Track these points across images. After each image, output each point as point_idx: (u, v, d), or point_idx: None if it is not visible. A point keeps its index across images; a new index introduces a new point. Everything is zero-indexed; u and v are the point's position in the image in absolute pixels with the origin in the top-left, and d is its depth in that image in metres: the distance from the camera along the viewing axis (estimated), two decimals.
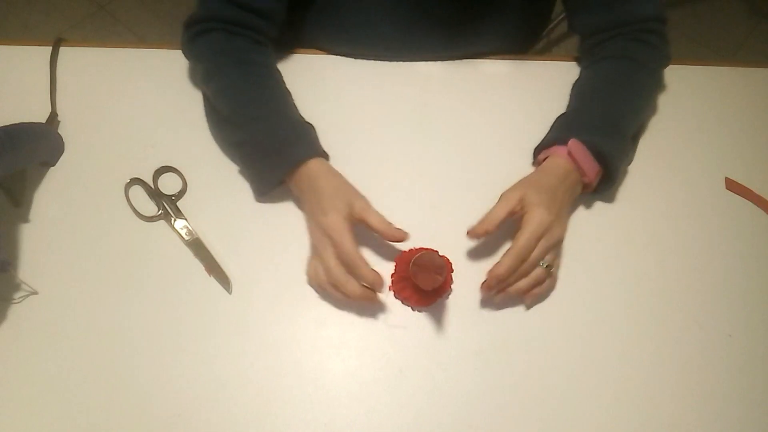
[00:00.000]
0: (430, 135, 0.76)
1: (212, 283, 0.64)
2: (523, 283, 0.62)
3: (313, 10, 0.78)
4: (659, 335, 0.65)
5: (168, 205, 0.68)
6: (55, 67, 0.77)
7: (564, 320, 0.65)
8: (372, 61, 0.81)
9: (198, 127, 0.74)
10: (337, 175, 0.65)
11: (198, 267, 0.65)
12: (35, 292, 0.62)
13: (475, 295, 0.66)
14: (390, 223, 0.61)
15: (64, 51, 0.79)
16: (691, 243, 0.72)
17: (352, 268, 0.59)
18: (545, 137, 0.72)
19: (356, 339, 0.63)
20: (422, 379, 0.61)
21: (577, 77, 0.79)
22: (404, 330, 0.64)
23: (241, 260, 0.66)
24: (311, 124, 0.69)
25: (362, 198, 0.63)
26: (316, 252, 0.63)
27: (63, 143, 0.71)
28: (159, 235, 0.67)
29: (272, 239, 0.68)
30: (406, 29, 0.78)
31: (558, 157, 0.67)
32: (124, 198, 0.68)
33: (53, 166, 0.70)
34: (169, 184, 0.70)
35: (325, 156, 0.68)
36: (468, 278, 0.66)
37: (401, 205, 0.68)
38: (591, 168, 0.67)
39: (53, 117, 0.72)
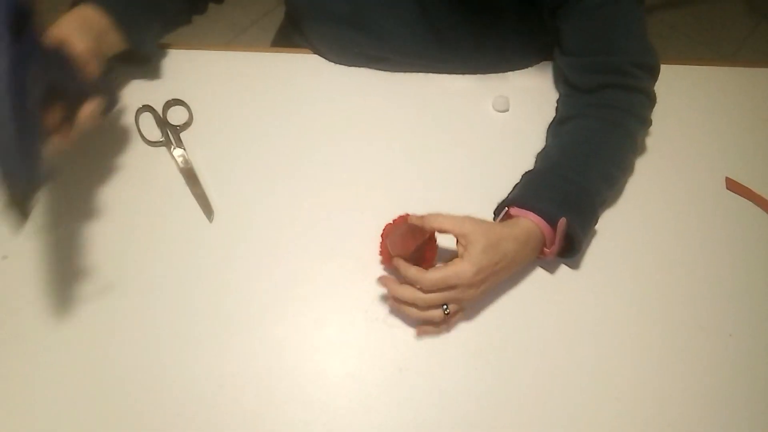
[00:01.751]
0: (427, 142, 0.77)
1: (213, 280, 0.64)
2: (415, 314, 0.61)
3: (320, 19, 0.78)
4: (659, 335, 0.65)
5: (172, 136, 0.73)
6: None
7: (563, 320, 0.65)
8: (370, 70, 0.81)
9: (203, 121, 0.75)
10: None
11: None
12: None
13: None
14: None
15: None
16: (692, 242, 0.72)
17: None
18: (518, 194, 0.67)
19: (356, 339, 0.63)
20: (422, 379, 0.61)
21: (551, 126, 0.77)
22: (404, 330, 0.64)
23: (241, 264, 0.66)
24: None
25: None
26: None
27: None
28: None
29: (274, 238, 0.68)
30: (413, 37, 0.78)
31: (529, 222, 0.63)
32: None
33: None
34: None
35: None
36: None
37: (396, 205, 0.68)
38: (558, 245, 0.64)
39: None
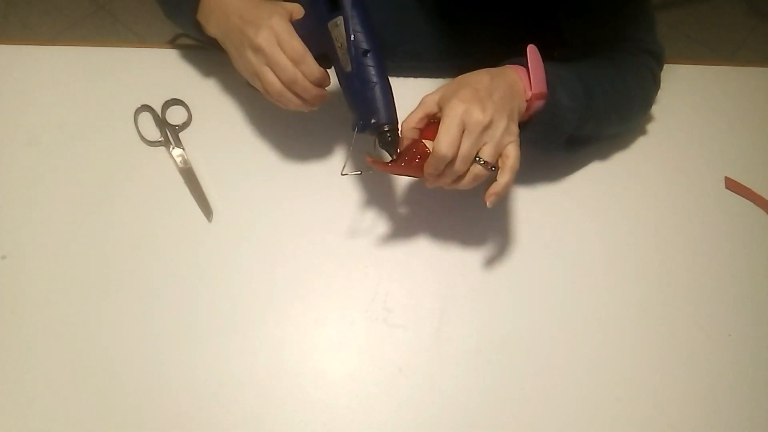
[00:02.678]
0: None
1: (212, 280, 0.64)
2: (462, 185, 0.57)
3: None
4: (659, 334, 0.65)
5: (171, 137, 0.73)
6: None
7: (563, 320, 0.65)
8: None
9: (202, 121, 0.75)
10: None
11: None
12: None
13: (476, 295, 0.66)
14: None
15: (65, 51, 0.79)
16: (691, 242, 0.72)
17: (299, 63, 0.57)
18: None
19: (356, 339, 0.63)
20: (422, 379, 0.61)
21: None
22: (404, 330, 0.64)
23: (241, 264, 0.66)
24: None
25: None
26: (257, 63, 0.59)
27: None
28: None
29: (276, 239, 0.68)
30: (418, 49, 0.78)
31: (505, 67, 0.60)
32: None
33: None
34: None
35: None
36: (468, 279, 0.66)
37: (396, 205, 0.68)
38: (538, 82, 0.59)
39: None
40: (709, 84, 0.85)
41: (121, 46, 0.80)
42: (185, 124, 0.74)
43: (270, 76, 0.59)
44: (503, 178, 0.57)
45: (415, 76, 0.80)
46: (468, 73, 0.60)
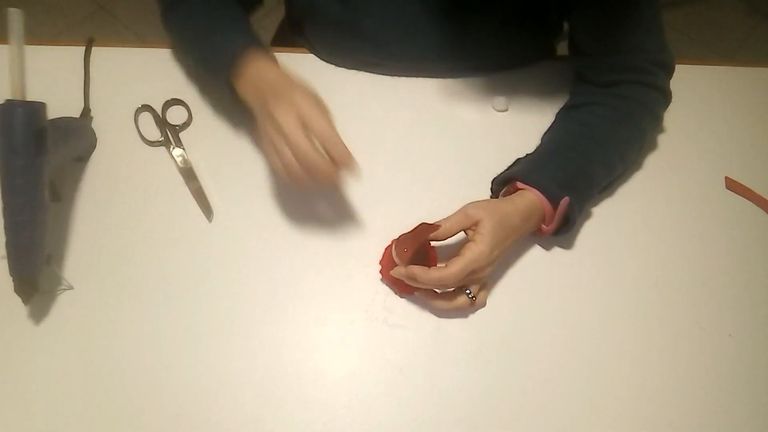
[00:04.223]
0: (427, 142, 0.77)
1: (212, 280, 0.64)
2: (440, 305, 0.63)
3: (313, 21, 0.79)
4: (659, 335, 0.65)
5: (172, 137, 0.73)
6: (89, 65, 0.77)
7: (564, 320, 0.65)
8: (370, 74, 0.81)
9: (202, 121, 0.75)
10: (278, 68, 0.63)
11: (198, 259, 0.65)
12: (71, 287, 0.63)
13: None
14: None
15: (65, 51, 0.79)
16: (691, 242, 0.72)
17: (330, 146, 0.56)
18: (523, 169, 0.68)
19: (356, 339, 0.63)
20: (422, 379, 0.61)
21: (562, 110, 0.76)
22: (404, 330, 0.64)
23: (241, 264, 0.66)
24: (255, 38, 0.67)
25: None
26: (277, 141, 0.57)
27: (96, 138, 0.72)
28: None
29: (273, 239, 0.68)
30: (412, 45, 0.77)
31: (533, 196, 0.64)
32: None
33: (86, 161, 0.70)
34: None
35: (261, 45, 0.65)
36: None
37: (395, 205, 0.68)
38: (556, 223, 0.66)
39: (86, 112, 0.73)
40: (709, 84, 0.85)
41: (121, 46, 0.80)
42: (185, 124, 0.74)
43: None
44: (471, 308, 0.64)
45: (416, 76, 0.80)
46: (507, 206, 0.63)
